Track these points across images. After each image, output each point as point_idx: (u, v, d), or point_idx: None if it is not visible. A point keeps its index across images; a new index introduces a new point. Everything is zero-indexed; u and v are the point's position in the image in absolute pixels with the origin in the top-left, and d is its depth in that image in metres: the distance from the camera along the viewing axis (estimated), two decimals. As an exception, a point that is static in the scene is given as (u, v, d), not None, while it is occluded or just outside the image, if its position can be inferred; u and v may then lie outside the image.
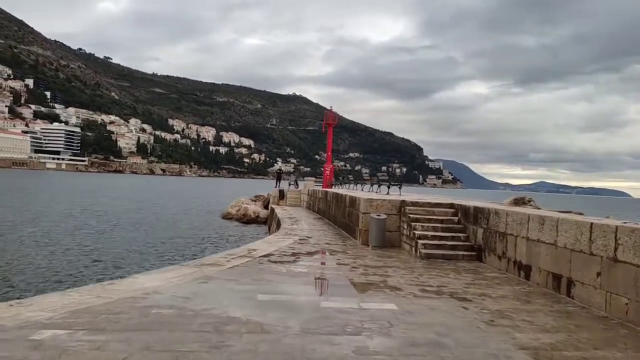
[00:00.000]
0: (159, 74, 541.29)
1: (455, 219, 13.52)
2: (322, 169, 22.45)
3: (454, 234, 12.92)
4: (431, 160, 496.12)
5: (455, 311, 7.13)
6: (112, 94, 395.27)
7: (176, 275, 8.57)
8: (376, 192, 20.74)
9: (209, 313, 6.37)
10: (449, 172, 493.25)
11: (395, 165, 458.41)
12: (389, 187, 19.82)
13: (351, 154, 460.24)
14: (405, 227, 13.78)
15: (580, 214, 12.97)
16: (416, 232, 12.88)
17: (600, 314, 7.42)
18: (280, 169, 75.15)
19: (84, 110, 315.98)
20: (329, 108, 45.73)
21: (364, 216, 14.35)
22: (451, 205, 14.04)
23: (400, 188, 19.02)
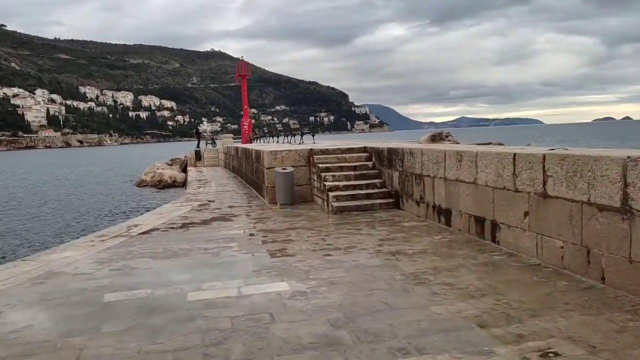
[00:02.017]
0: (62, 38, 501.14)
1: (370, 163, 12.10)
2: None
3: (368, 181, 11.52)
4: (357, 106, 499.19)
5: (361, 284, 5.65)
6: (12, 64, 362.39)
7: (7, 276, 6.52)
8: (290, 143, 19.06)
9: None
10: (376, 116, 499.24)
11: (322, 114, 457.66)
12: (301, 137, 18.16)
13: (278, 107, 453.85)
14: (316, 178, 12.22)
15: (501, 144, 11.92)
16: (327, 183, 11.35)
17: (532, 261, 6.21)
18: (197, 128, 71.16)
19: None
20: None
21: (269, 171, 12.62)
22: (364, 149, 12.58)
23: (313, 136, 17.44)
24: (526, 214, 6.45)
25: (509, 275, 5.72)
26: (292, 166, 12.55)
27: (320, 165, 11.99)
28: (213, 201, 13.79)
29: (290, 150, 12.78)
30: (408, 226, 8.90)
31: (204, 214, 11.49)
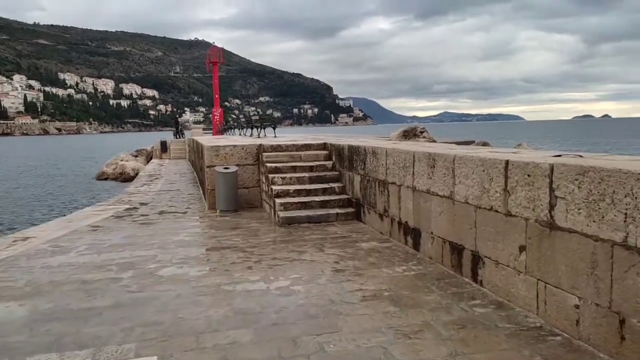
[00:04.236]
0: (42, 23, 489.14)
1: (329, 163, 10.06)
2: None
3: (326, 185, 9.48)
4: (341, 99, 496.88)
5: (268, 361, 3.62)
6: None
7: None
8: (250, 137, 16.94)
9: None
10: (360, 110, 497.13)
11: (306, 106, 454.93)
12: (259, 129, 15.95)
13: (261, 99, 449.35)
14: (264, 180, 10.16)
15: (486, 144, 9.96)
16: (274, 187, 9.29)
17: (530, 320, 4.24)
18: (176, 117, 68.03)
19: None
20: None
21: (209, 170, 10.51)
22: (324, 146, 10.54)
23: (274, 129, 15.29)
24: (522, 249, 4.47)
25: (497, 349, 3.74)
26: (238, 165, 10.47)
27: (269, 164, 9.91)
28: (146, 204, 11.62)
29: (235, 146, 10.67)
30: (366, 249, 6.89)
31: (122, 223, 9.33)
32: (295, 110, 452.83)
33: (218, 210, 9.99)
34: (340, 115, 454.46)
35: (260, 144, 10.56)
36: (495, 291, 4.87)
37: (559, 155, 4.67)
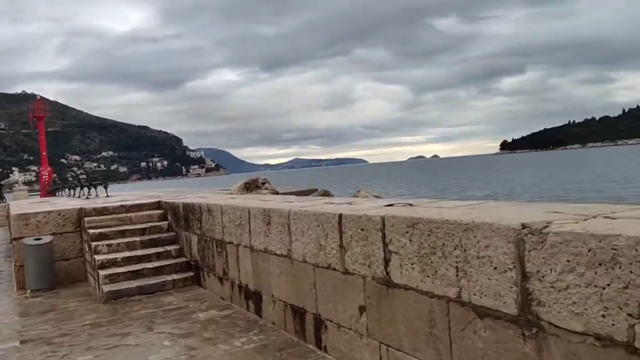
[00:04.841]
0: None
1: (164, 224, 9.13)
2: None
3: (160, 249, 8.53)
4: (192, 150, 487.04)
5: None
6: None
7: None
8: (80, 197, 15.11)
9: None
10: (212, 160, 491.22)
11: (155, 159, 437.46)
12: (89, 189, 14.31)
13: (104, 153, 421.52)
14: (87, 249, 8.85)
15: (327, 192, 9.89)
16: (98, 256, 8.08)
17: (376, 390, 3.86)
18: (-2, 180, 60.16)
19: None
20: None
21: (17, 243, 8.89)
22: (158, 205, 9.59)
23: (106, 188, 13.81)
24: (362, 309, 4.13)
25: None
26: (54, 233, 9.00)
27: (92, 230, 8.66)
28: None
29: (50, 212, 9.20)
30: (204, 320, 6.11)
31: None
32: (144, 164, 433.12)
33: (28, 291, 8.38)
34: (192, 166, 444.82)
35: (82, 208, 9.25)
36: (340, 357, 4.45)
37: (391, 205, 4.50)
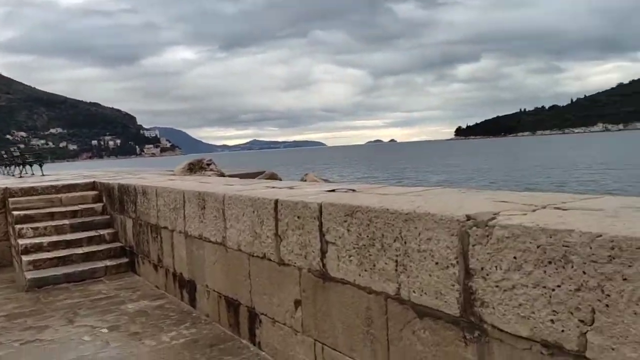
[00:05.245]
0: None
1: (99, 206, 8.51)
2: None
3: (93, 233, 7.94)
4: (147, 129, 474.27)
5: None
6: None
7: None
8: (15, 176, 14.09)
9: None
10: (167, 140, 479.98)
11: (107, 137, 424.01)
12: (23, 167, 13.31)
13: (52, 130, 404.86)
14: (12, 232, 8.16)
15: (274, 175, 9.49)
16: (22, 240, 7.44)
17: (309, 391, 3.55)
18: None
19: None
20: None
21: None
22: (92, 186, 8.94)
23: (42, 166, 12.91)
24: (298, 303, 3.80)
25: None
26: (-25, 215, 8.24)
27: (18, 212, 7.97)
28: None
29: (-32, 192, 8.41)
30: (133, 311, 5.65)
31: None
32: (95, 142, 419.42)
33: (-57, 277, 7.65)
34: (147, 146, 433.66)
35: (7, 188, 8.50)
36: (274, 355, 4.12)
37: (333, 190, 4.16)
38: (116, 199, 7.94)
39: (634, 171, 41.13)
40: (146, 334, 4.89)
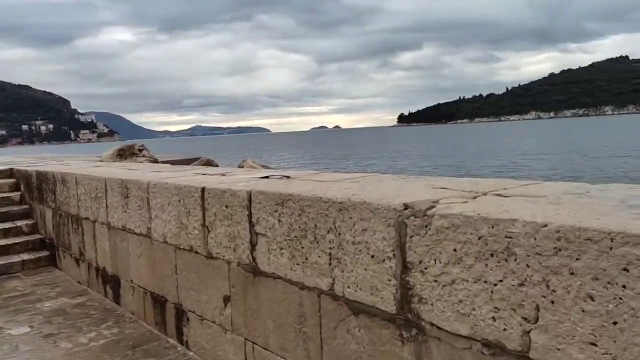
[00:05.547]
0: None
1: (16, 195, 7.82)
2: None
3: (9, 225, 7.27)
4: (82, 114, 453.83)
5: None
6: None
7: None
8: None
9: None
10: (104, 125, 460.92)
11: (39, 122, 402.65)
12: None
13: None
14: None
15: (210, 162, 9.06)
16: None
17: (239, 395, 3.29)
18: None
19: None
20: None
21: None
22: (10, 173, 8.20)
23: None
24: (227, 299, 3.51)
25: None
26: None
27: None
28: None
29: None
30: (50, 310, 5.16)
31: None
32: (25, 127, 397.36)
33: None
34: (82, 131, 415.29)
35: None
36: (203, 355, 3.82)
37: (267, 177, 3.87)
38: (34, 187, 7.29)
39: (567, 156, 43.32)
40: (62, 335, 4.45)
